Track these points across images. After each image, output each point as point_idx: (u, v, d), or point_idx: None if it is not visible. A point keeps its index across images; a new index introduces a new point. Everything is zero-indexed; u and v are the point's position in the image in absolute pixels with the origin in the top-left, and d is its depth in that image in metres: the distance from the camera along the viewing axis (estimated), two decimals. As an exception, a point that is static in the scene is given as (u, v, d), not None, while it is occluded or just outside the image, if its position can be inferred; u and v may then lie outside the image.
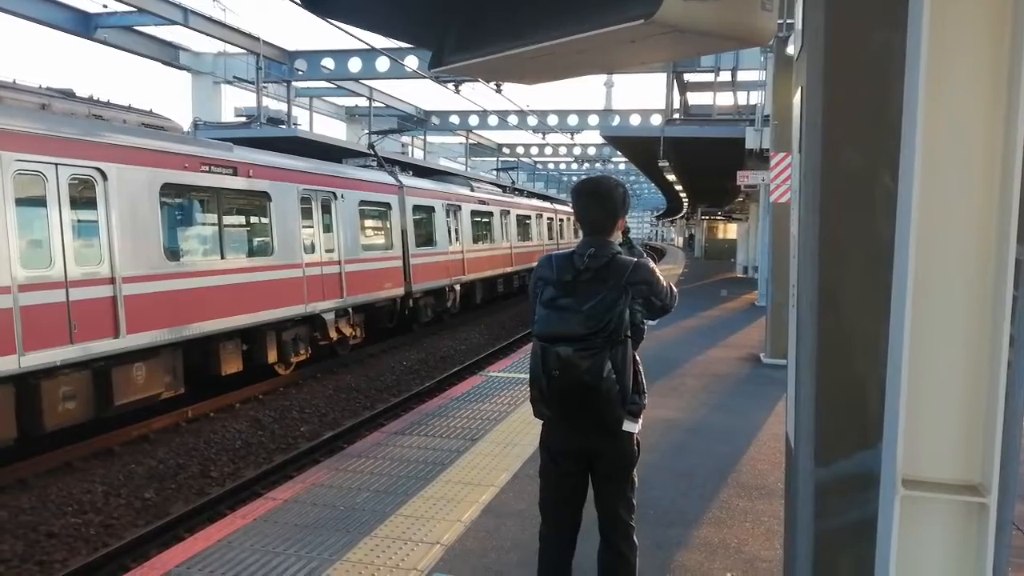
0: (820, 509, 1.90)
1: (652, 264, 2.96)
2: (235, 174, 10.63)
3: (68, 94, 9.09)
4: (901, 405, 1.56)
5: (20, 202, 7.46)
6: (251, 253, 11.25)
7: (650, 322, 3.04)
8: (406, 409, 9.98)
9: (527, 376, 2.93)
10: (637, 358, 2.88)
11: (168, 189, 9.41)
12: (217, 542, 4.29)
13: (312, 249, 12.42)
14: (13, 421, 7.42)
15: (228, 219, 10.88)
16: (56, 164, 7.80)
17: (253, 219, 11.61)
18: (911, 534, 1.63)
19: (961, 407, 1.60)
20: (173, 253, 9.59)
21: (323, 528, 4.48)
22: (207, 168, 10.07)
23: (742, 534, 4.43)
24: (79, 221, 8.17)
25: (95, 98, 9.38)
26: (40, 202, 7.68)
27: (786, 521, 2.37)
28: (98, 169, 8.30)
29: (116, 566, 5.87)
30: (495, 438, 6.34)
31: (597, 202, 2.99)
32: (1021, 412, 1.69)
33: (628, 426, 2.86)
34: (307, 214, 12.38)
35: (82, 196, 8.19)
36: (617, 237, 3.03)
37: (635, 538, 3.02)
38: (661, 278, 2.94)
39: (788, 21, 8.60)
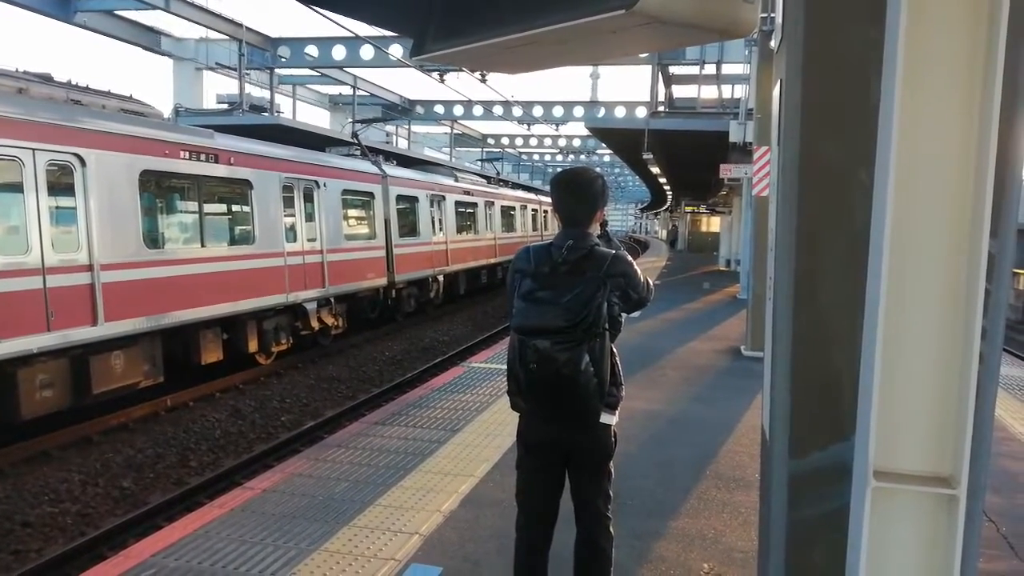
0: (794, 500, 1.92)
1: (630, 257, 2.96)
2: (216, 161, 10.52)
3: (46, 78, 8.96)
4: (873, 397, 1.57)
5: None
6: (232, 241, 11.15)
7: (633, 314, 3.04)
8: (388, 399, 9.96)
9: (507, 367, 2.93)
10: (614, 350, 2.88)
11: (148, 176, 9.30)
12: (194, 531, 4.27)
13: (294, 238, 12.35)
14: None
15: (209, 207, 10.78)
16: (33, 149, 7.69)
17: (234, 207, 11.51)
18: (882, 525, 1.64)
19: (933, 400, 1.61)
20: (152, 240, 9.49)
21: (301, 518, 4.47)
22: (187, 155, 9.97)
23: (720, 525, 4.46)
24: (57, 207, 8.06)
25: (74, 83, 9.26)
26: (16, 188, 7.57)
27: (761, 512, 2.39)
28: (76, 155, 8.20)
29: (93, 555, 5.83)
30: (476, 428, 6.35)
31: (576, 194, 2.98)
32: (993, 405, 1.71)
33: (605, 418, 2.87)
34: (289, 203, 12.29)
35: (60, 182, 8.08)
36: (595, 229, 3.02)
37: (612, 529, 3.03)
38: (639, 271, 2.94)
39: (772, 15, 8.62)
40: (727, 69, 20.62)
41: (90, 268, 8.31)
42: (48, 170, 7.87)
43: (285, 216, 12.10)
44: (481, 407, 7.07)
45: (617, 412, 2.93)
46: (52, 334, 7.77)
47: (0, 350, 7.23)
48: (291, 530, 4.29)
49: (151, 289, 9.19)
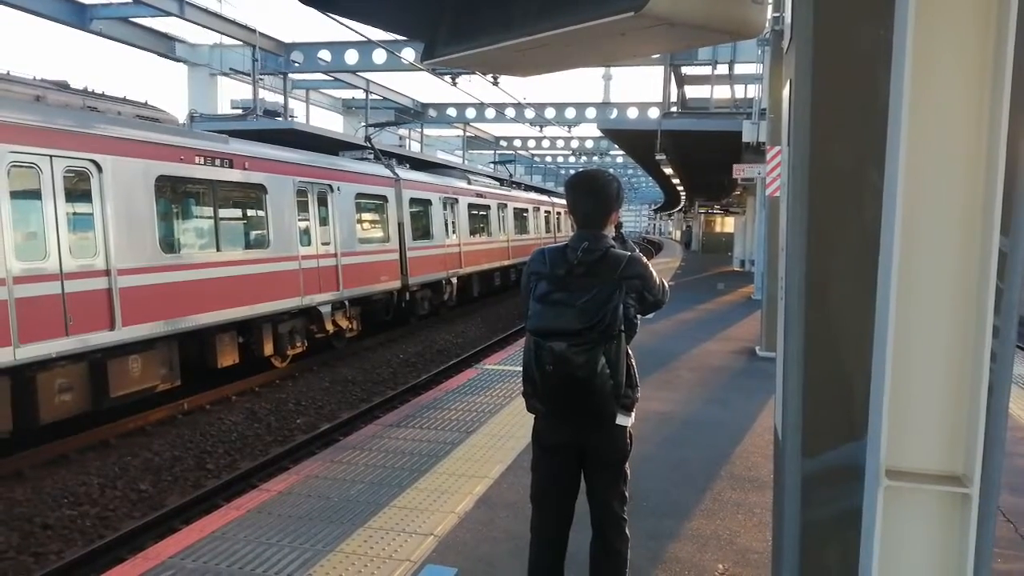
0: (807, 500, 1.92)
1: (645, 259, 2.96)
2: (231, 166, 10.62)
3: (63, 86, 9.09)
4: (885, 396, 1.57)
5: (15, 194, 7.46)
6: (247, 245, 11.26)
7: (648, 316, 3.05)
8: (402, 402, 9.99)
9: (521, 369, 2.94)
10: (630, 352, 2.89)
11: (163, 181, 9.41)
12: (211, 533, 4.31)
13: (308, 242, 12.43)
14: (9, 414, 7.43)
15: (224, 211, 10.88)
16: (51, 156, 7.79)
17: (249, 211, 11.61)
18: (895, 524, 1.64)
19: (946, 398, 1.61)
20: (168, 245, 9.59)
21: (317, 519, 4.49)
22: (202, 160, 10.06)
23: (734, 526, 4.45)
24: (74, 213, 8.16)
25: (90, 90, 9.37)
26: (35, 194, 7.67)
27: (774, 512, 2.39)
28: (93, 161, 8.30)
29: (111, 557, 5.88)
30: (490, 430, 6.36)
31: (591, 196, 2.98)
32: (1007, 403, 1.70)
33: (621, 420, 2.87)
34: (303, 207, 12.38)
35: (77, 188, 8.18)
36: (610, 231, 3.03)
37: (627, 531, 3.03)
38: (654, 273, 2.95)
39: (783, 15, 8.59)
40: (740, 69, 20.57)
41: (107, 273, 8.40)
42: (65, 176, 7.97)
43: (299, 220, 12.18)
44: (495, 409, 7.08)
45: (633, 413, 2.94)
46: (70, 338, 7.85)
47: (20, 355, 7.31)
48: (307, 531, 4.32)
49: (168, 293, 9.27)
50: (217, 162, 10.34)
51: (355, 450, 5.87)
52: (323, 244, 12.83)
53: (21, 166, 7.51)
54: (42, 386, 7.70)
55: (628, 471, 3.03)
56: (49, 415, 7.82)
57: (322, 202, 12.94)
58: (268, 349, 11.52)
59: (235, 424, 9.61)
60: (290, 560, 3.95)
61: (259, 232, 11.51)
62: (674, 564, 3.95)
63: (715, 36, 2.04)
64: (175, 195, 9.98)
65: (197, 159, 9.97)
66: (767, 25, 9.58)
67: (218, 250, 10.46)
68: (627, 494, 3.04)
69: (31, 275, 7.51)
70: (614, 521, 3.00)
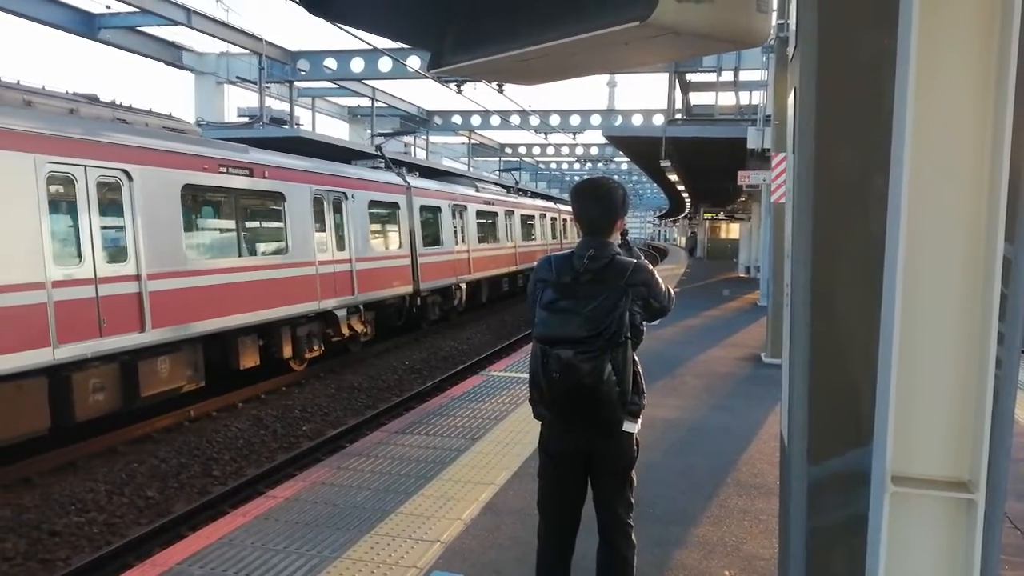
0: (813, 506, 1.92)
1: (651, 266, 2.97)
2: (251, 175, 10.88)
3: (93, 99, 9.35)
4: (890, 403, 1.58)
5: (52, 202, 7.73)
6: (267, 251, 11.53)
7: (653, 323, 3.05)
8: (408, 408, 10.01)
9: (527, 376, 2.94)
10: (636, 359, 2.89)
11: (188, 189, 9.67)
12: (218, 540, 4.32)
13: (324, 248, 12.62)
14: (47, 412, 7.64)
15: (244, 219, 11.18)
16: (85, 166, 8.09)
17: (269, 219, 11.88)
18: (901, 530, 1.64)
19: (951, 405, 1.61)
20: (194, 251, 9.88)
21: (324, 526, 4.50)
22: (224, 169, 10.31)
23: (740, 532, 4.44)
24: (107, 220, 8.46)
25: (118, 102, 9.58)
26: (71, 202, 7.97)
27: (781, 518, 2.39)
28: (124, 171, 8.58)
29: (119, 564, 5.89)
30: (495, 437, 6.36)
31: (597, 203, 2.99)
32: (1012, 409, 1.70)
33: (628, 427, 2.87)
34: (319, 214, 12.61)
35: (109, 196, 8.46)
36: (616, 238, 3.04)
37: (634, 537, 3.03)
38: (660, 280, 2.95)
39: (788, 22, 8.61)
40: (745, 75, 20.51)
41: (138, 278, 8.65)
42: (98, 185, 8.24)
43: (316, 227, 12.40)
44: (500, 416, 7.08)
45: (639, 420, 2.94)
46: (104, 340, 8.12)
47: (58, 355, 7.58)
48: (314, 538, 4.33)
49: (193, 297, 9.53)
50: (238, 171, 10.60)
51: (361, 457, 5.88)
52: (339, 250, 13.04)
53: (58, 176, 7.78)
54: (77, 385, 7.96)
55: (635, 478, 3.03)
56: (84, 413, 8.07)
57: (337, 209, 13.17)
58: (287, 352, 11.73)
59: (241, 431, 9.64)
60: (297, 567, 3.96)
61: (278, 238, 11.74)
62: (680, 571, 3.94)
63: (720, 45, 2.05)
64: (199, 203, 10.30)
65: (220, 168, 10.20)
66: (771, 33, 9.60)
67: (240, 256, 10.71)
68: (633, 501, 3.04)
69: (68, 279, 7.77)
70: (620, 528, 3.00)
